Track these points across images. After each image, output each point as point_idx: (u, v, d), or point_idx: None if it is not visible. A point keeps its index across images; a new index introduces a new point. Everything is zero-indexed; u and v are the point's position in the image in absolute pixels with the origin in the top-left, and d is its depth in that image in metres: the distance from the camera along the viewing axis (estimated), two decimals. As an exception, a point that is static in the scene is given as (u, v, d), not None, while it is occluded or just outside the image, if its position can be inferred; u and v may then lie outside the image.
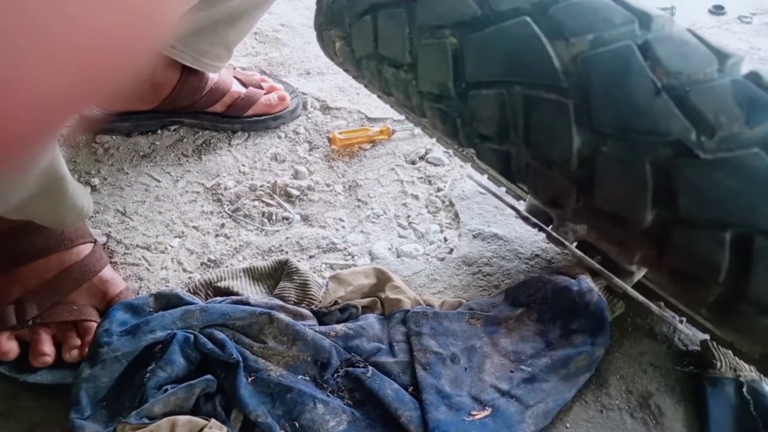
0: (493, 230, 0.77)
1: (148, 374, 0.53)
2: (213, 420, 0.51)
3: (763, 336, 0.37)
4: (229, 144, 0.90)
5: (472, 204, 0.81)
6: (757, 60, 1.14)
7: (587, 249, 0.61)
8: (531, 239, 0.76)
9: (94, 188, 0.81)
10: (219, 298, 0.63)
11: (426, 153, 0.89)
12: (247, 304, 0.61)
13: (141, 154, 0.87)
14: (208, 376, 0.54)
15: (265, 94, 0.92)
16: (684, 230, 0.37)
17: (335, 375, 0.58)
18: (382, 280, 0.67)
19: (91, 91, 0.21)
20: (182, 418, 0.50)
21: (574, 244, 0.61)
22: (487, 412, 0.55)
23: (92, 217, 0.77)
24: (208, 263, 0.73)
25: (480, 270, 0.73)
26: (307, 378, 0.57)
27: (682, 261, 0.38)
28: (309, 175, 0.86)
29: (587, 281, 0.64)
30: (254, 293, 0.66)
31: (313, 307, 0.63)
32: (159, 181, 0.83)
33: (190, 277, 0.71)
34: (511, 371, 0.59)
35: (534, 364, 0.59)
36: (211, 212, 0.80)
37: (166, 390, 0.52)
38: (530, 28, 0.39)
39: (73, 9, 0.18)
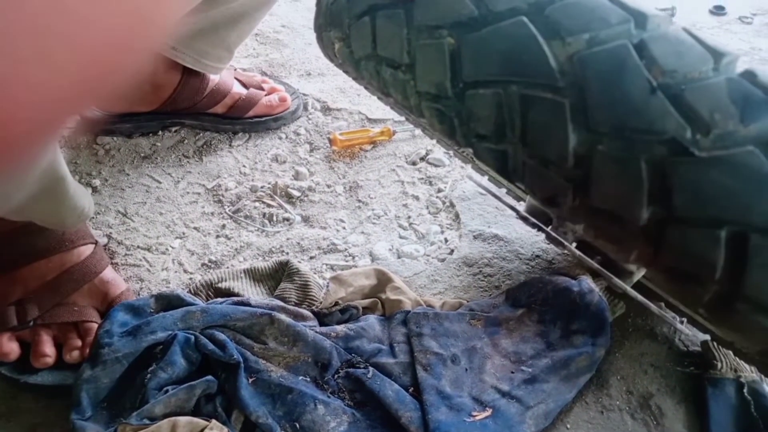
0: (494, 231, 0.77)
1: (148, 375, 0.53)
2: (214, 421, 0.51)
3: (759, 334, 0.37)
4: (230, 145, 0.90)
5: (472, 205, 0.81)
6: (758, 60, 1.14)
7: (587, 249, 0.61)
8: (531, 240, 0.76)
9: (95, 189, 0.81)
10: (220, 299, 0.63)
11: (426, 154, 0.89)
12: (248, 305, 0.61)
13: (142, 155, 0.87)
14: (209, 377, 0.54)
15: (266, 95, 0.92)
16: (680, 228, 0.37)
17: (336, 376, 0.58)
18: (383, 281, 0.67)
19: (91, 91, 0.21)
20: (183, 419, 0.50)
21: (574, 244, 0.61)
22: (488, 412, 0.55)
23: (93, 218, 0.77)
24: (209, 264, 0.73)
25: (481, 271, 0.73)
26: (308, 379, 0.57)
27: (678, 259, 0.38)
28: (310, 176, 0.86)
29: (588, 282, 0.64)
30: (255, 294, 0.66)
31: (313, 308, 0.63)
32: (160, 183, 0.83)
33: (190, 278, 0.71)
34: (512, 372, 0.59)
35: (535, 364, 0.59)
36: (212, 213, 0.80)
37: (167, 391, 0.52)
38: (527, 28, 0.40)
39: (73, 9, 0.18)
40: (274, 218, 0.79)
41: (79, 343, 0.59)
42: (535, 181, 0.44)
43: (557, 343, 0.61)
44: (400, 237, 0.77)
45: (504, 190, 0.73)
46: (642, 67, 0.36)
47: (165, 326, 0.57)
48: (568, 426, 0.58)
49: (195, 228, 0.77)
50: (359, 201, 0.82)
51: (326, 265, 0.73)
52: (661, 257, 0.39)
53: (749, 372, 0.59)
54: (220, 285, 0.66)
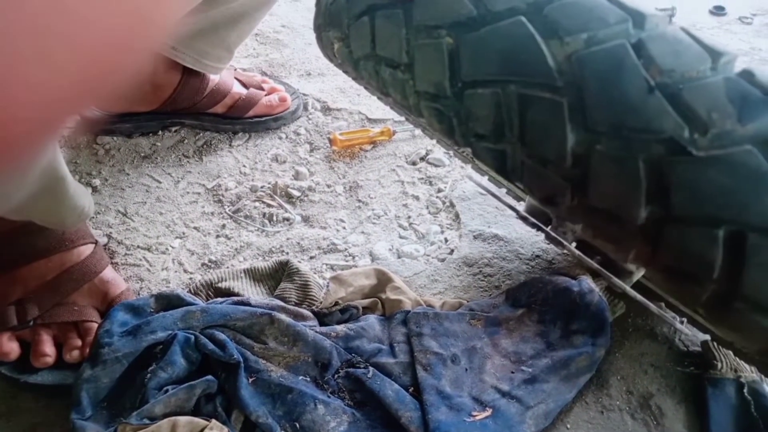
0: (494, 231, 0.77)
1: (148, 375, 0.53)
2: (214, 421, 0.51)
3: (757, 333, 0.37)
4: (230, 145, 0.90)
5: (472, 205, 0.81)
6: (758, 61, 1.14)
7: (586, 249, 0.61)
8: (532, 240, 0.76)
9: (95, 189, 0.81)
10: (220, 299, 0.63)
11: (427, 154, 0.89)
12: (248, 304, 0.61)
13: (142, 155, 0.87)
14: (209, 377, 0.54)
15: (266, 95, 0.92)
16: (677, 227, 0.37)
17: (336, 376, 0.58)
18: (383, 280, 0.67)
19: (91, 90, 0.21)
20: (183, 419, 0.50)
21: (573, 244, 0.61)
22: (488, 412, 0.55)
23: (93, 217, 0.77)
24: (209, 264, 0.73)
25: (481, 271, 0.73)
26: (308, 379, 0.57)
27: (676, 258, 0.38)
28: (310, 176, 0.86)
29: (588, 282, 0.64)
30: (255, 294, 0.66)
31: (313, 307, 0.63)
32: (160, 182, 0.83)
33: (190, 278, 0.71)
34: (512, 372, 0.59)
35: (535, 364, 0.59)
36: (212, 213, 0.80)
37: (167, 391, 0.52)
38: (525, 28, 0.40)
39: (73, 9, 0.18)
40: (274, 218, 0.79)
41: (79, 342, 0.59)
42: (533, 181, 0.44)
43: (557, 343, 0.61)
44: (400, 237, 0.77)
45: (504, 190, 0.73)
46: (640, 66, 0.36)
47: (165, 326, 0.57)
48: (568, 426, 0.58)
49: (195, 228, 0.77)
50: (359, 201, 0.82)
51: (326, 265, 0.73)
52: (659, 256, 0.39)
53: (749, 372, 0.59)
54: (220, 285, 0.66)
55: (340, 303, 0.64)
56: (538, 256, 0.74)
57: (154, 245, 0.75)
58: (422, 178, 0.86)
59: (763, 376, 0.59)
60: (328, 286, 0.66)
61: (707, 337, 0.63)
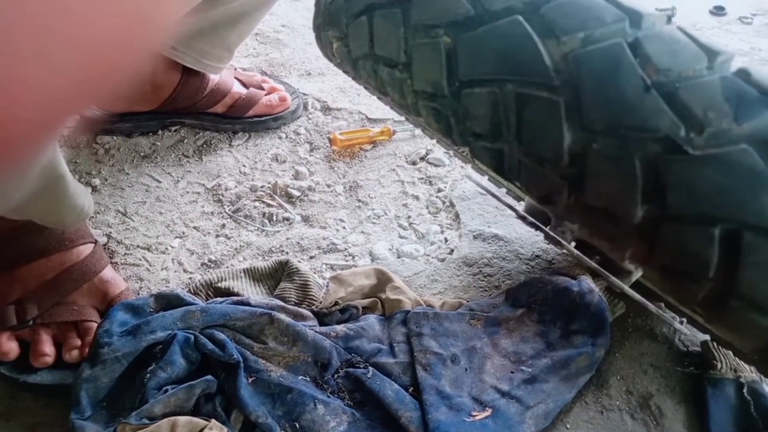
0: (494, 231, 0.77)
1: (148, 375, 0.53)
2: (213, 421, 0.51)
3: (753, 331, 0.37)
4: (230, 145, 0.90)
5: (472, 205, 0.81)
6: (757, 61, 1.14)
7: (586, 249, 0.61)
8: (531, 240, 0.76)
9: (94, 189, 0.81)
10: (219, 299, 0.63)
11: (426, 154, 0.89)
12: (248, 304, 0.61)
13: (142, 154, 0.87)
14: (209, 377, 0.54)
15: (265, 94, 0.92)
16: (673, 226, 0.37)
17: (336, 376, 0.58)
18: (383, 280, 0.67)
19: (91, 90, 0.21)
20: (182, 419, 0.50)
21: (572, 243, 0.61)
22: (488, 412, 0.55)
23: (93, 217, 0.77)
24: (209, 264, 0.73)
25: (480, 271, 0.73)
26: (308, 379, 0.57)
27: (672, 257, 0.38)
28: (310, 175, 0.86)
29: (588, 282, 0.64)
30: (255, 294, 0.66)
31: (313, 307, 0.63)
32: (160, 182, 0.83)
33: (190, 278, 0.71)
34: (512, 372, 0.59)
35: (534, 364, 0.59)
36: (212, 213, 0.80)
37: (167, 390, 0.52)
38: (522, 27, 0.40)
39: (73, 9, 0.18)
40: (274, 218, 0.79)
41: (78, 342, 0.59)
42: (530, 180, 0.44)
43: (557, 343, 0.61)
44: (400, 237, 0.77)
45: (504, 190, 0.73)
46: (636, 65, 0.37)
47: (164, 326, 0.57)
48: (568, 426, 0.58)
49: (195, 227, 0.77)
50: (359, 201, 0.82)
51: (326, 264, 0.73)
52: (655, 255, 0.39)
53: (749, 372, 0.59)
54: (219, 284, 0.66)
55: (340, 303, 0.64)
56: (538, 256, 0.74)
57: (153, 245, 0.75)
58: (422, 178, 0.86)
59: (762, 376, 0.59)
60: (327, 286, 0.66)
61: (707, 337, 0.63)
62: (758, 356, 0.42)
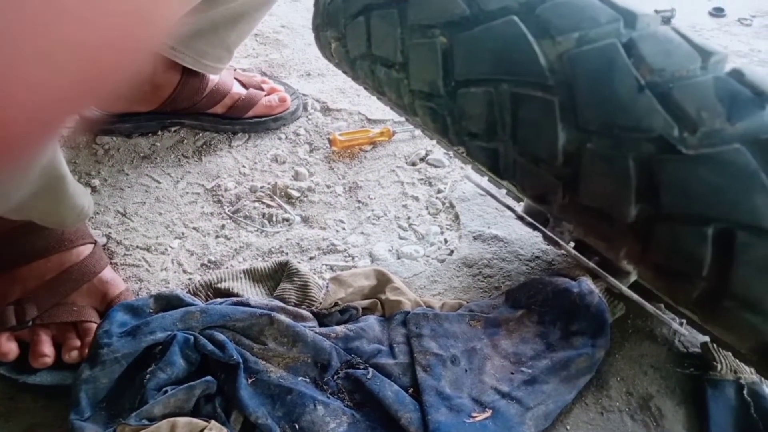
0: (494, 232, 0.77)
1: (147, 375, 0.53)
2: (213, 421, 0.51)
3: (747, 330, 0.38)
4: (230, 145, 0.90)
5: (472, 206, 0.81)
6: (756, 62, 1.14)
7: (585, 249, 0.61)
8: (531, 241, 0.76)
9: (94, 189, 0.81)
10: (219, 300, 0.63)
11: (426, 155, 0.89)
12: (248, 305, 0.61)
13: (141, 155, 0.87)
14: (208, 378, 0.54)
15: (265, 95, 0.92)
16: (667, 225, 0.37)
17: (335, 376, 0.58)
18: (383, 281, 0.67)
19: (90, 90, 0.21)
20: (182, 420, 0.50)
21: (571, 244, 0.61)
22: (488, 413, 0.55)
23: (92, 218, 0.77)
24: (209, 264, 0.73)
25: (480, 272, 0.73)
26: (308, 379, 0.57)
27: (666, 256, 0.38)
28: (309, 176, 0.86)
29: (588, 283, 0.64)
30: (254, 294, 0.66)
31: (313, 308, 0.63)
32: (159, 183, 0.83)
33: (190, 279, 0.71)
34: (512, 373, 0.59)
35: (534, 365, 0.59)
36: (212, 213, 0.80)
37: (166, 391, 0.52)
38: (517, 27, 0.40)
39: (72, 9, 0.18)
40: (274, 218, 0.79)
41: (78, 343, 0.59)
42: (525, 179, 0.44)
43: (557, 344, 0.61)
44: (400, 238, 0.77)
45: (503, 191, 0.73)
46: (630, 65, 0.37)
47: (164, 326, 0.57)
48: (568, 427, 0.58)
49: (194, 228, 0.77)
50: (359, 201, 0.82)
51: (326, 265, 0.73)
52: (649, 254, 0.39)
53: (749, 373, 0.59)
54: (219, 285, 0.66)
55: (340, 304, 0.64)
56: (537, 257, 0.74)
57: (153, 245, 0.74)
58: (422, 179, 0.86)
59: (762, 378, 0.59)
60: (327, 287, 0.66)
61: (707, 338, 0.63)
62: (755, 356, 0.42)
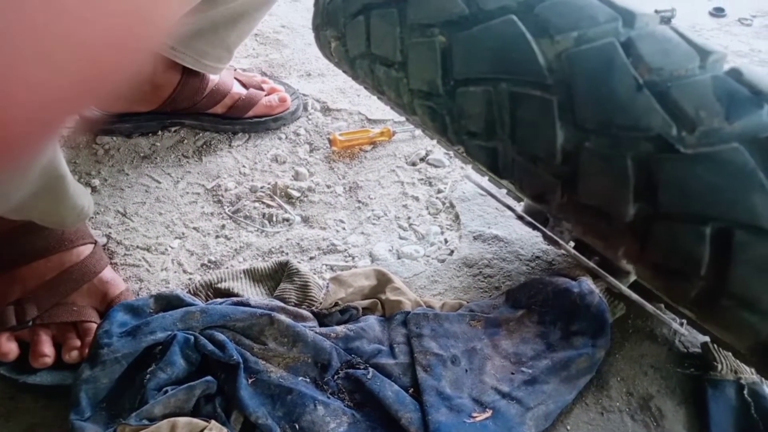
0: (494, 232, 0.77)
1: (148, 375, 0.53)
2: (213, 421, 0.51)
3: (745, 330, 0.38)
4: (230, 145, 0.90)
5: (472, 206, 0.81)
6: (757, 62, 1.14)
7: (584, 249, 0.61)
8: (532, 241, 0.76)
9: (94, 189, 0.81)
10: (219, 300, 0.63)
11: (426, 155, 0.89)
12: (248, 305, 0.61)
13: (141, 155, 0.87)
14: (209, 378, 0.54)
15: (265, 95, 0.92)
16: (665, 224, 0.37)
17: (336, 376, 0.58)
18: (383, 281, 0.67)
19: (90, 90, 0.21)
20: (182, 420, 0.50)
21: (571, 243, 0.61)
22: (488, 413, 0.55)
23: (92, 218, 0.77)
24: (209, 264, 0.73)
25: (481, 272, 0.73)
26: (308, 379, 0.57)
27: (664, 255, 0.38)
28: (309, 176, 0.86)
29: (588, 283, 0.64)
30: (254, 294, 0.66)
31: (313, 308, 0.63)
32: (159, 183, 0.83)
33: (190, 279, 0.71)
34: (512, 373, 0.59)
35: (535, 365, 0.59)
36: (212, 213, 0.80)
37: (166, 391, 0.52)
38: (516, 27, 0.40)
39: (72, 9, 0.18)
40: (274, 218, 0.79)
41: (78, 343, 0.59)
42: (524, 178, 0.44)
43: (557, 345, 0.60)
44: (400, 238, 0.77)
45: (504, 191, 0.73)
46: (629, 64, 0.37)
47: (164, 326, 0.57)
48: (568, 427, 0.58)
49: (194, 228, 0.77)
50: (359, 201, 0.82)
51: (326, 265, 0.73)
52: (647, 253, 0.39)
53: (749, 373, 0.59)
54: (219, 285, 0.66)
55: (340, 304, 0.64)
56: (538, 257, 0.74)
57: (153, 245, 0.74)
58: (422, 179, 0.86)
59: (762, 378, 0.59)
60: (327, 287, 0.65)
61: (707, 338, 0.63)
62: (755, 356, 0.42)
